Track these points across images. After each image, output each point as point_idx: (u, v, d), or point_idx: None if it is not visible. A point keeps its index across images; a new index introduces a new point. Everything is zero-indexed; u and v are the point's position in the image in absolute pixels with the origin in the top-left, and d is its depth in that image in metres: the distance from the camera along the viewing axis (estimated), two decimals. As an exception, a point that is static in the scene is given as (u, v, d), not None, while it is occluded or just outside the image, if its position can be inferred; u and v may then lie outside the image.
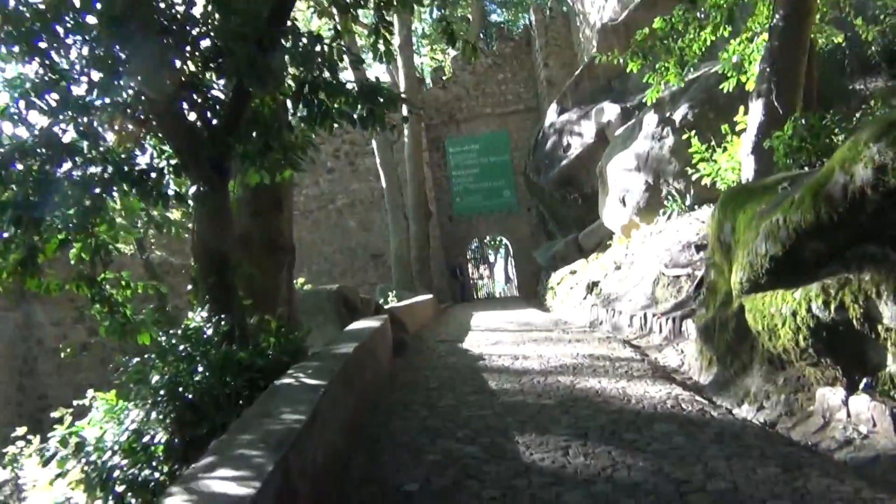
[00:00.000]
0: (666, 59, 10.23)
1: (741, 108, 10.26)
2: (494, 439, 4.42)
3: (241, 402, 4.90)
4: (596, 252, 18.44)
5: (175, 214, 8.26)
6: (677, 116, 14.84)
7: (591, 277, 15.15)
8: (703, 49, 10.10)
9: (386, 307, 10.71)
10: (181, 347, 5.29)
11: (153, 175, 5.36)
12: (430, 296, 17.34)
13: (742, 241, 5.52)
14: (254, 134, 5.69)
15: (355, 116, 5.41)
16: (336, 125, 5.49)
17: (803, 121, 6.84)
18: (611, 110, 19.43)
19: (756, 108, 8.56)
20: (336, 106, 5.30)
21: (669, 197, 14.58)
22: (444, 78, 30.59)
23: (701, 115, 14.30)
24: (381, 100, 5.29)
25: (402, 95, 6.22)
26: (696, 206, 13.99)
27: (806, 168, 6.65)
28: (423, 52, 38.28)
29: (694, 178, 10.93)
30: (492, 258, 47.11)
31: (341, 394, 4.45)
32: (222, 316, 5.56)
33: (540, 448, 4.16)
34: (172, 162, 5.54)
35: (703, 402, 5.08)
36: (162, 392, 5.05)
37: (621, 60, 10.61)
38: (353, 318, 8.87)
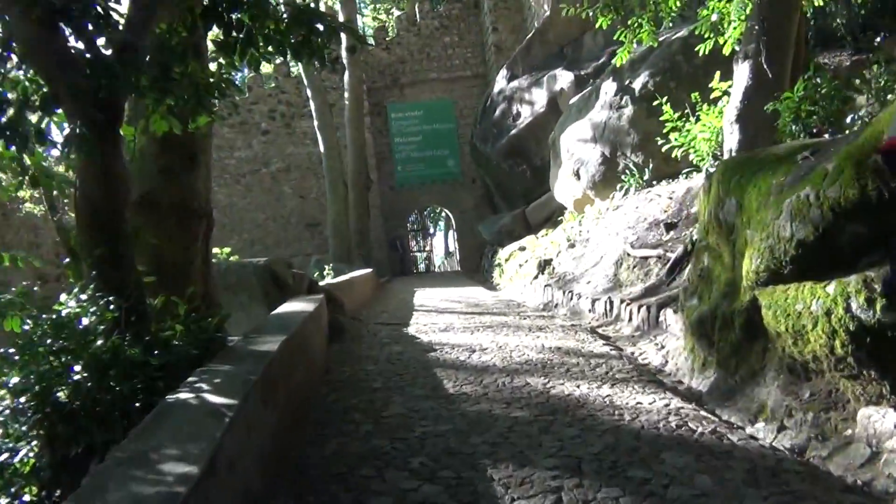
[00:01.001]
0: (640, 15, 9.23)
1: (717, 74, 9.40)
2: (461, 473, 3.37)
3: (131, 412, 3.74)
4: (546, 228, 17.58)
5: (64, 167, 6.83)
6: (637, 85, 13.96)
7: (543, 255, 14.26)
8: (681, 4, 9.13)
9: (321, 284, 9.53)
10: (51, 340, 4.06)
11: (9, 110, 4.04)
12: (370, 270, 16.19)
13: (757, 221, 4.58)
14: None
15: (288, 49, 4.19)
16: (263, 59, 4.28)
17: (817, 79, 5.93)
18: (564, 78, 18.47)
19: (742, 72, 7.67)
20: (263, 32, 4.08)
21: (627, 171, 13.76)
22: (387, 39, 29.05)
23: (662, 84, 13.44)
24: (321, 27, 4.10)
25: (346, 25, 5.00)
26: (654, 182, 13.22)
27: (822, 135, 5.77)
28: (365, 12, 36.53)
29: (664, 149, 10.03)
30: (432, 230, 46.07)
31: (259, 415, 3.32)
32: (110, 298, 4.34)
33: (523, 490, 3.13)
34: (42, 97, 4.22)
35: (713, 419, 4.14)
36: (25, 398, 3.84)
37: (591, 14, 9.55)
38: (283, 298, 7.67)
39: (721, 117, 8.94)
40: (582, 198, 15.24)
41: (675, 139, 9.58)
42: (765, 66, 7.44)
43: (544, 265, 13.46)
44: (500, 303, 11.96)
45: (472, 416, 4.33)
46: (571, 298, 10.16)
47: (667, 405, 4.38)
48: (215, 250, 10.46)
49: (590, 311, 9.20)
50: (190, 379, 3.52)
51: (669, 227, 9.01)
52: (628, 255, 9.44)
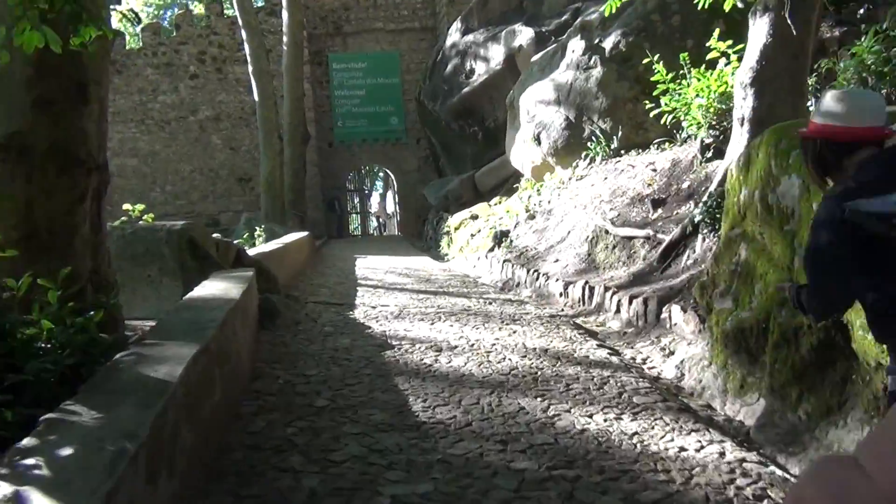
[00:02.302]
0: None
1: (717, 31, 8.26)
2: None
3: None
4: (499, 195, 16.37)
5: None
6: (607, 45, 12.75)
7: (499, 225, 13.07)
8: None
9: (252, 253, 8.07)
10: None
11: None
12: (306, 234, 14.67)
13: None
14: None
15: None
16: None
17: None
18: (524, 34, 17.12)
19: (760, 27, 6.52)
20: None
21: (594, 138, 12.63)
22: (330, -19, 26.98)
23: (635, 44, 12.26)
24: None
25: None
26: (622, 152, 12.15)
27: None
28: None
29: (652, 114, 8.87)
30: (371, 191, 44.42)
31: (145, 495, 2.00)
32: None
33: None
34: None
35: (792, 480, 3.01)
36: None
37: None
38: (203, 273, 6.23)
39: (720, 80, 7.83)
40: (541, 165, 14.06)
41: (666, 103, 8.43)
42: (788, 21, 6.32)
43: (501, 237, 12.27)
44: (453, 278, 10.72)
45: (457, 466, 3.09)
46: (537, 278, 9.01)
47: (721, 454, 3.23)
48: (127, 206, 8.86)
49: (561, 295, 8.07)
50: (38, 429, 2.17)
51: (657, 203, 7.90)
52: (606, 232, 8.31)
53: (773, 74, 6.38)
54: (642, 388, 4.23)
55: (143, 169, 24.74)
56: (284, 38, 20.70)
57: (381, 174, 42.32)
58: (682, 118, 8.34)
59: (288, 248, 10.55)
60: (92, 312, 3.47)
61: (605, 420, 3.68)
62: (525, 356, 5.03)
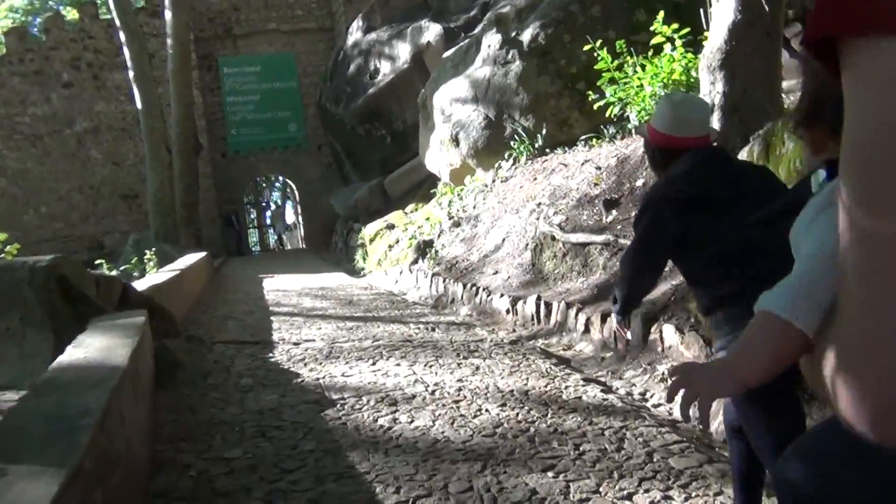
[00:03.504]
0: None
1: (660, 14, 7.55)
2: None
3: None
4: (414, 202, 15.35)
5: None
6: (525, 38, 12.00)
7: (420, 235, 12.05)
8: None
9: (142, 287, 6.68)
10: None
11: None
12: (203, 255, 13.17)
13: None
14: None
15: None
16: None
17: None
18: (431, 30, 16.21)
19: (726, 4, 5.80)
20: None
21: (516, 137, 11.84)
22: (216, -20, 25.20)
23: (555, 36, 11.61)
24: None
25: None
26: (547, 150, 11.42)
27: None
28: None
29: (596, 106, 8.07)
30: (270, 202, 42.45)
31: None
32: None
33: None
34: None
35: None
36: None
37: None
38: (80, 320, 4.91)
39: (672, 66, 7.12)
40: (461, 167, 13.16)
41: (612, 93, 7.65)
42: (760, -2, 5.64)
43: (424, 248, 11.27)
44: (378, 298, 9.61)
45: None
46: (477, 294, 8.05)
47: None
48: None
49: (508, 312, 7.14)
50: None
51: (610, 204, 7.09)
52: (553, 239, 7.44)
53: (744, 55, 5.68)
54: (672, 444, 3.30)
55: (13, 190, 22.21)
56: (169, 41, 18.88)
57: (276, 184, 40.47)
58: (629, 109, 7.58)
59: (185, 274, 9.14)
60: None
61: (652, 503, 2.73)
62: (505, 404, 4.02)
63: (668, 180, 2.24)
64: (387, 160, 18.45)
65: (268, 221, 35.95)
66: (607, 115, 7.94)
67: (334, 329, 6.97)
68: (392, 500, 2.89)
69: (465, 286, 8.39)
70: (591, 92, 8.20)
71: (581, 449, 3.29)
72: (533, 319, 6.63)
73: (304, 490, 3.03)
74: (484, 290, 7.93)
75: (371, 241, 14.23)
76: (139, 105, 17.49)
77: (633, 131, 7.57)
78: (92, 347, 3.83)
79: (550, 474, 3.03)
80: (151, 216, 17.81)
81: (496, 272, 8.35)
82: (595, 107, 7.98)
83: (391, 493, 2.95)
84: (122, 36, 17.54)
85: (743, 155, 3.94)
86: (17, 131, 22.39)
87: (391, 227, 13.88)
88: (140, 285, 6.93)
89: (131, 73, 17.61)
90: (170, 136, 18.61)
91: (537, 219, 8.05)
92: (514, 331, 6.65)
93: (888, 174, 0.54)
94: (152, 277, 7.94)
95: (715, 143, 2.43)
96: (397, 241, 12.91)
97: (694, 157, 2.21)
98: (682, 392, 1.31)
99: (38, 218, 22.24)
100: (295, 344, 6.23)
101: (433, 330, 6.57)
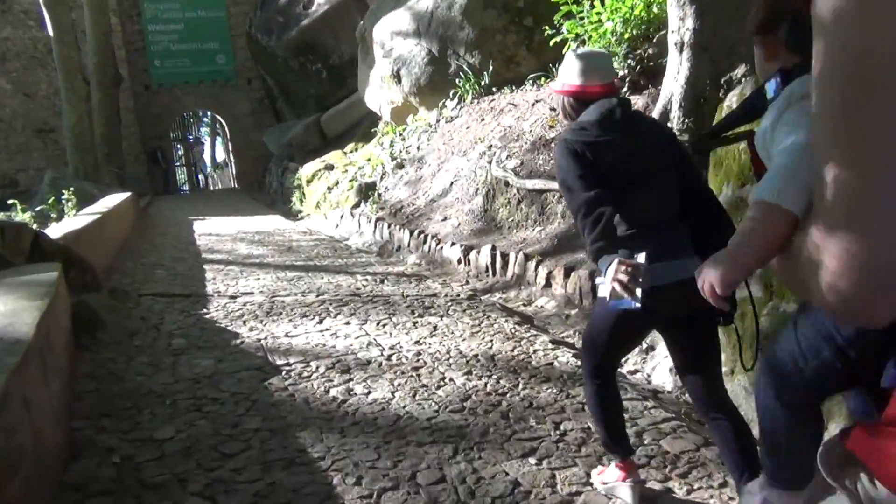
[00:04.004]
0: None
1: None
2: None
3: None
4: (354, 141, 14.67)
5: None
6: (471, -34, 11.33)
7: (361, 177, 11.48)
8: None
9: (57, 234, 5.99)
10: None
11: None
12: (128, 195, 12.28)
13: None
14: None
15: None
16: None
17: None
18: (371, -43, 15.23)
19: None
20: None
21: (461, 74, 11.28)
22: None
23: (503, -34, 11.01)
24: None
25: None
26: (493, 89, 10.94)
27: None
28: None
29: (552, 42, 7.58)
30: (198, 138, 40.66)
31: None
32: None
33: None
34: None
35: None
36: None
37: None
38: (-20, 274, 4.28)
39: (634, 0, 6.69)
40: (402, 105, 12.55)
41: (568, 28, 7.18)
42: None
43: (366, 190, 10.73)
44: (319, 244, 9.08)
45: None
46: (425, 241, 7.64)
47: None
48: None
49: (460, 262, 6.77)
50: None
51: (567, 148, 6.71)
52: (507, 184, 7.05)
53: (718, -14, 5.29)
54: (662, 421, 3.01)
55: (-88, 125, 20.39)
56: (81, -40, 17.32)
57: (205, 119, 38.71)
58: (586, 46, 7.14)
59: (107, 218, 8.40)
60: None
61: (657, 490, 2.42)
62: (470, 372, 3.66)
63: (580, 125, 2.29)
64: (322, 96, 17.59)
65: (199, 160, 34.44)
66: (564, 51, 7.48)
67: (274, 280, 6.46)
68: (353, 493, 2.51)
69: (412, 233, 7.96)
70: (546, 27, 7.70)
71: (562, 428, 2.97)
72: (488, 271, 6.28)
73: (250, 481, 2.62)
74: (433, 237, 7.52)
75: (308, 182, 13.55)
76: (50, 31, 16.03)
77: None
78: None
79: (532, 460, 2.70)
80: (69, 152, 16.55)
81: (445, 218, 7.93)
82: (551, 42, 7.50)
83: (351, 484, 2.58)
84: (29, -47, 15.93)
85: (732, 100, 3.59)
86: (-88, 59, 20.42)
87: (330, 167, 13.22)
88: (56, 232, 6.24)
89: (40, -4, 16.06)
90: (86, 66, 17.21)
91: (489, 162, 7.62)
92: (467, 282, 6.29)
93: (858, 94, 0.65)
94: (70, 222, 7.21)
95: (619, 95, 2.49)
96: (337, 183, 12.30)
97: (603, 105, 2.29)
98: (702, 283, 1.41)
99: (-59, 156, 20.55)
100: (232, 297, 5.72)
101: (382, 282, 6.14)
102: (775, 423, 1.54)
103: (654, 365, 3.87)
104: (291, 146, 17.37)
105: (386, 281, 6.19)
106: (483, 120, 9.84)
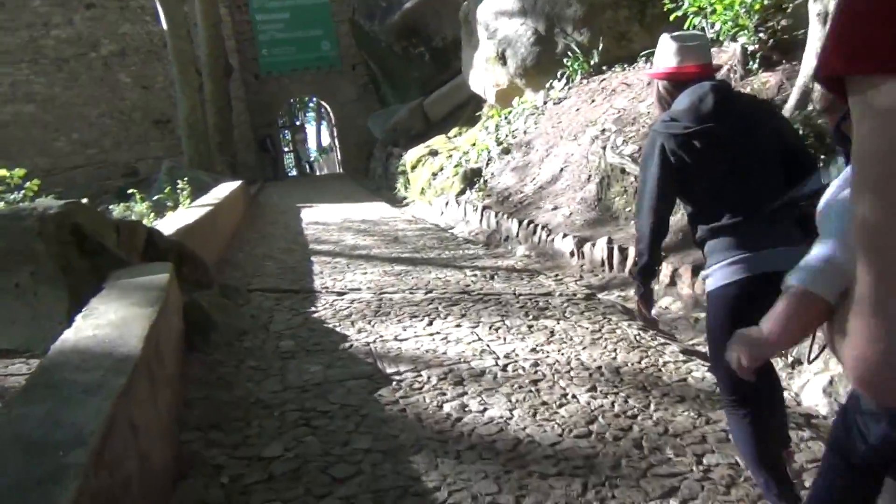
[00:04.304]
0: None
1: None
2: None
3: None
4: (459, 126, 14.44)
5: None
6: (580, -60, 10.78)
7: (466, 163, 11.23)
8: None
9: (170, 230, 6.06)
10: None
11: None
12: (239, 183, 12.56)
13: None
14: None
15: None
16: None
17: None
18: (474, -64, 14.85)
19: None
20: None
21: (569, 53, 10.80)
22: None
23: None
24: None
25: None
26: (603, 68, 10.43)
27: None
28: None
29: (673, 17, 7.04)
30: (303, 123, 41.67)
31: None
32: None
33: None
34: None
35: None
36: None
37: None
38: (99, 272, 4.33)
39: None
40: (508, 88, 12.19)
41: (691, 1, 6.62)
42: None
43: (472, 177, 10.48)
44: (425, 234, 8.91)
45: None
46: (535, 232, 7.31)
47: None
48: (1, 172, 6.77)
49: (573, 255, 6.41)
50: None
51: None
52: (624, 171, 6.61)
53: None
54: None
55: (43, 116, 21.70)
56: (193, -45, 17.83)
57: (309, 104, 39.47)
58: (709, 20, 6.57)
59: (219, 209, 8.53)
60: None
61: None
62: (594, 388, 3.34)
63: (670, 116, 2.25)
64: (426, 80, 17.44)
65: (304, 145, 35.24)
66: (686, 26, 6.91)
67: (381, 274, 6.32)
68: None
69: (520, 223, 7.64)
70: (664, 0, 7.15)
71: (705, 463, 2.61)
72: (603, 265, 5.90)
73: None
74: (543, 228, 7.18)
75: (413, 168, 13.43)
76: (164, 26, 16.60)
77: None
78: (104, 319, 3.23)
79: (673, 503, 2.36)
80: (184, 142, 17.17)
81: (555, 207, 7.57)
82: (672, 17, 6.95)
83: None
84: (144, -49, 16.52)
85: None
86: (43, 55, 21.69)
87: (434, 153, 13.04)
88: (168, 227, 6.31)
89: (155, -8, 16.65)
90: (199, 58, 17.77)
91: (602, 148, 7.19)
92: (581, 278, 5.93)
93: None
94: (182, 215, 7.32)
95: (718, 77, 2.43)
96: (441, 169, 12.11)
97: (695, 92, 2.22)
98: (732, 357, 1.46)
99: (70, 144, 21.79)
100: (339, 294, 5.60)
101: (492, 278, 5.87)
102: None
103: (802, 382, 3.42)
104: (395, 131, 17.34)
105: (496, 277, 5.92)
106: (593, 101, 9.37)
